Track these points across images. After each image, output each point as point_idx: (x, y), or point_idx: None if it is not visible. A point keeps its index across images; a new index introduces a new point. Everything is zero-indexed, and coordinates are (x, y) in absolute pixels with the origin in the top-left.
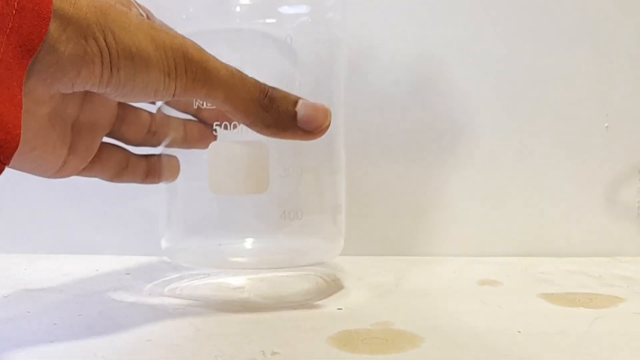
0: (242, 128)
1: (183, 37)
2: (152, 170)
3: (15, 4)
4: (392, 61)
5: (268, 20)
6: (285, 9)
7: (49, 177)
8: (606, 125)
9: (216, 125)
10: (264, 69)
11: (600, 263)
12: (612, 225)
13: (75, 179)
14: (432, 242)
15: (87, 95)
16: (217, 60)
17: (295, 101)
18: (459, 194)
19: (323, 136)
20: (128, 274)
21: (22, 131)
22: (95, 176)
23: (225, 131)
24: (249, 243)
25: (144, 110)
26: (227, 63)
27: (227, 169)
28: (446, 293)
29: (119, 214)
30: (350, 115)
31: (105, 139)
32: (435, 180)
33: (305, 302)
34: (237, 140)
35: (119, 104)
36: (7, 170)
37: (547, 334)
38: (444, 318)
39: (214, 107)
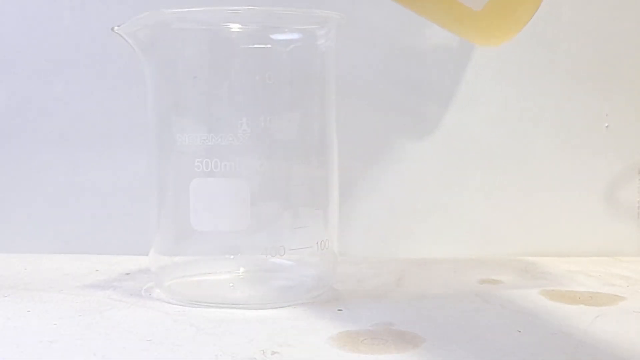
0: (224, 164)
1: None
2: None
3: None
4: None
5: (259, 46)
6: (278, 36)
7: None
8: (606, 125)
9: (198, 161)
10: (253, 93)
11: (600, 263)
12: (612, 225)
13: (75, 179)
14: (432, 242)
15: None
16: None
17: None
18: (459, 193)
19: (310, 172)
20: (128, 274)
21: None
22: None
23: (206, 167)
24: (230, 279)
25: None
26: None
27: (208, 205)
28: (446, 293)
29: (119, 214)
30: (348, 115)
31: None
32: (435, 180)
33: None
34: (218, 176)
35: None
36: (7, 170)
37: (548, 333)
38: (444, 318)
39: None
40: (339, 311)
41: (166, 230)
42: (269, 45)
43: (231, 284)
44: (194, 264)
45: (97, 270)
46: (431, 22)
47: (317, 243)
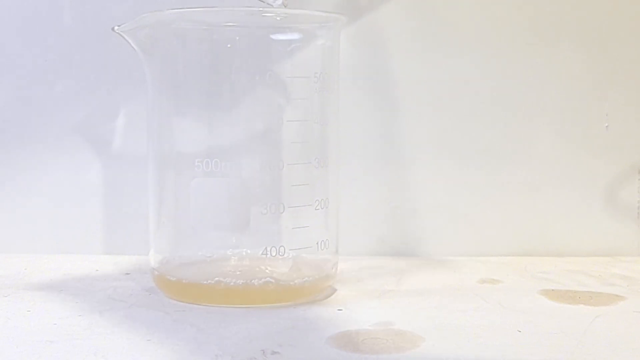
0: (224, 164)
1: None
2: None
3: None
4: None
5: (259, 46)
6: (278, 36)
7: None
8: (606, 125)
9: (198, 161)
10: (253, 93)
11: (600, 263)
12: (612, 225)
13: (75, 179)
14: (432, 242)
15: None
16: None
17: None
18: (459, 193)
19: (310, 171)
20: (128, 274)
21: None
22: None
23: (206, 167)
24: (229, 280)
25: None
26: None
27: (208, 205)
28: (446, 292)
29: (119, 214)
30: (347, 115)
31: None
32: (435, 180)
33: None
34: (218, 176)
35: None
36: (7, 170)
37: (548, 332)
38: (444, 317)
39: None
40: (339, 311)
41: (166, 230)
42: (269, 45)
43: (231, 284)
44: (194, 264)
45: (97, 270)
46: None
47: (317, 243)
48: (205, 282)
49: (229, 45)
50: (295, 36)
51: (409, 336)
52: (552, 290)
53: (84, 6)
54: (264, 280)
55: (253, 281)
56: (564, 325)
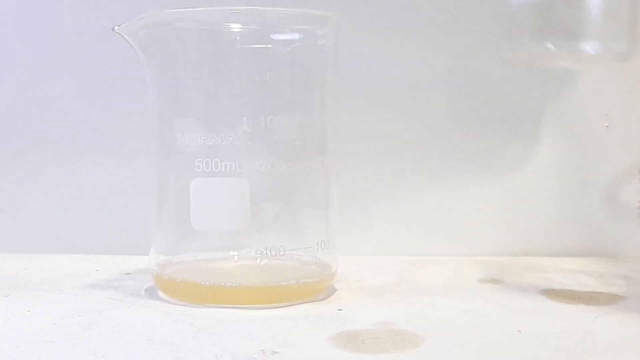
0: (224, 164)
1: None
2: None
3: None
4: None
5: (260, 46)
6: (278, 36)
7: None
8: (606, 125)
9: (198, 161)
10: (253, 93)
11: (600, 263)
12: (612, 225)
13: (75, 179)
14: (432, 242)
15: None
16: None
17: None
18: (459, 193)
19: (310, 171)
20: (128, 273)
21: None
22: None
23: (206, 167)
24: (229, 280)
25: None
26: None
27: (208, 205)
28: (446, 292)
29: (119, 214)
30: (347, 116)
31: None
32: (435, 180)
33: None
34: (218, 176)
35: None
36: (7, 170)
37: (548, 332)
38: (444, 317)
39: None
40: (339, 311)
41: (166, 230)
42: (269, 45)
43: (231, 284)
44: (194, 264)
45: (97, 270)
46: None
47: (317, 243)
48: (205, 282)
49: (228, 46)
50: (295, 36)
51: (409, 336)
52: (552, 290)
53: (84, 6)
54: (264, 280)
55: (253, 281)
56: (564, 325)
